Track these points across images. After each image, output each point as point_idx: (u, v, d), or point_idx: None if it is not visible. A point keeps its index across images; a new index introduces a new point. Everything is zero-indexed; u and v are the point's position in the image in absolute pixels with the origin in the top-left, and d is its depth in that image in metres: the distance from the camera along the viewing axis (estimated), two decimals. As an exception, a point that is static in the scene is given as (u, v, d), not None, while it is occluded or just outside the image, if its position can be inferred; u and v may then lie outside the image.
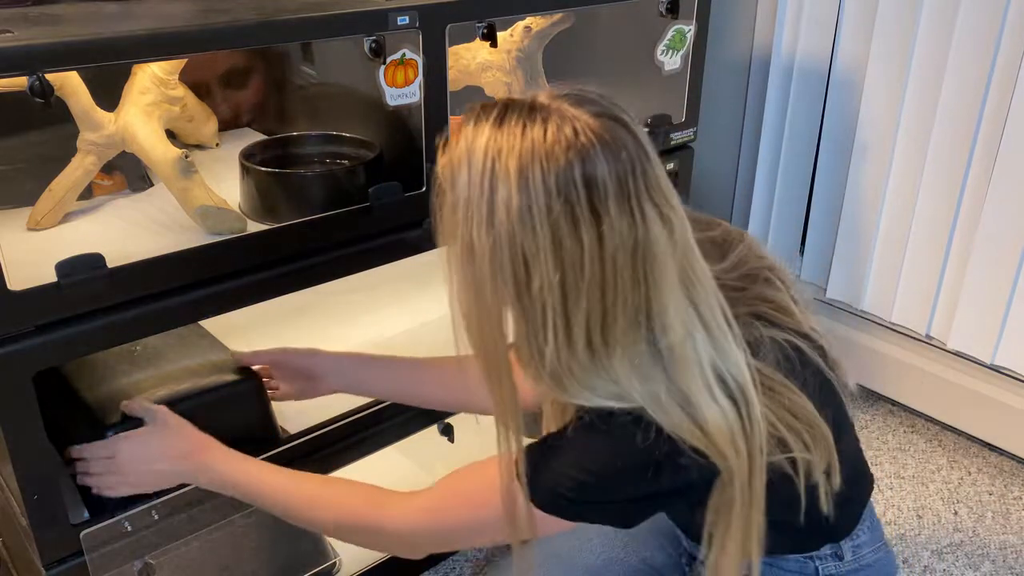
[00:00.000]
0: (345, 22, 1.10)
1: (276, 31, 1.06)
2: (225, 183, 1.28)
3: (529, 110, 0.76)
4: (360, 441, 1.32)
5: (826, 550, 0.98)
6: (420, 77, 1.18)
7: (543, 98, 0.78)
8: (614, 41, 1.66)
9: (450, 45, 1.20)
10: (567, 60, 1.71)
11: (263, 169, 1.25)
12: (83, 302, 1.00)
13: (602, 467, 0.83)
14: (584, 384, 0.80)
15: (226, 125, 1.58)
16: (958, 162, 1.74)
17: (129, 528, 1.09)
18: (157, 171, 1.18)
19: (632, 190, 0.75)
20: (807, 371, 0.88)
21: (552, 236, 0.74)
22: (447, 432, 1.45)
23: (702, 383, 0.80)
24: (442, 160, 0.81)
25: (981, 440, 1.88)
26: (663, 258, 0.77)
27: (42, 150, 1.25)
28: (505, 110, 0.77)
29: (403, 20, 1.13)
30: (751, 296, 0.90)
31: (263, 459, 1.19)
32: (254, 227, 1.19)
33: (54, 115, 1.13)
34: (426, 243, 1.14)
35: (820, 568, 0.99)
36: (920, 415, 1.97)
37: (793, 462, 0.85)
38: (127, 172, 1.33)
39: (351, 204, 1.20)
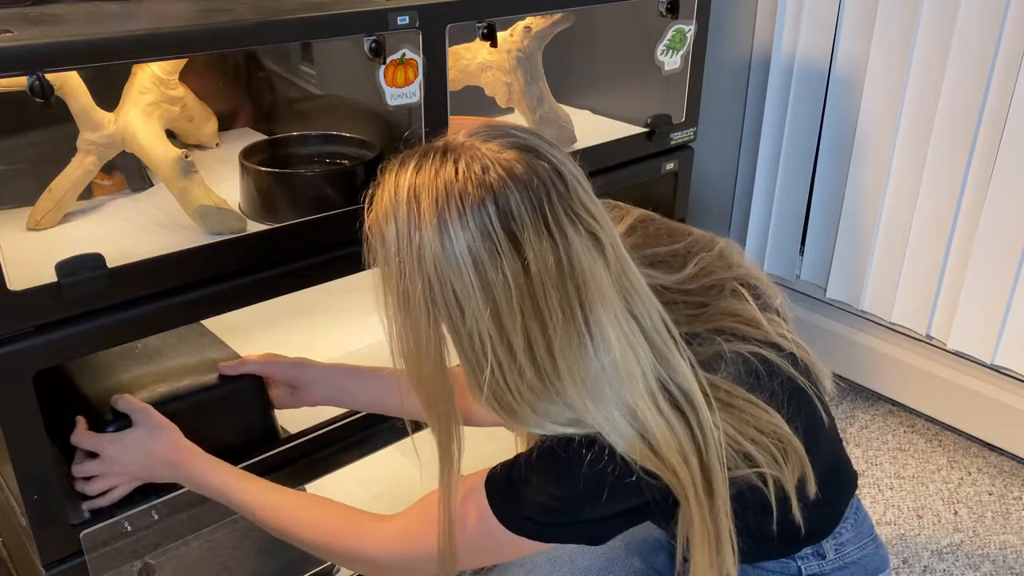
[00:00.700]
0: (345, 22, 1.10)
1: (276, 31, 1.06)
2: (225, 183, 1.28)
3: (443, 153, 0.79)
4: (360, 441, 1.32)
5: (807, 550, 0.99)
6: (420, 77, 1.18)
7: (459, 138, 0.80)
8: (614, 41, 1.66)
9: (450, 45, 1.20)
10: (567, 60, 1.71)
11: (263, 169, 1.25)
12: (83, 302, 1.00)
13: (566, 492, 0.84)
14: (538, 411, 0.82)
15: (226, 125, 1.58)
16: (958, 162, 1.74)
17: (129, 528, 1.09)
18: (157, 171, 1.18)
19: (549, 214, 0.76)
20: (775, 382, 0.88)
21: (476, 272, 0.76)
22: (447, 432, 1.44)
23: (646, 394, 0.80)
24: (369, 218, 0.82)
25: (981, 440, 1.88)
26: (592, 274, 0.78)
27: (42, 150, 1.24)
28: (423, 156, 0.79)
29: (403, 20, 1.13)
30: (714, 312, 0.90)
31: (263, 459, 1.20)
32: (254, 227, 1.19)
33: (54, 115, 1.13)
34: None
35: (803, 568, 0.99)
36: (920, 415, 1.97)
37: (762, 476, 0.85)
38: (127, 172, 1.33)
39: (351, 204, 1.20)
